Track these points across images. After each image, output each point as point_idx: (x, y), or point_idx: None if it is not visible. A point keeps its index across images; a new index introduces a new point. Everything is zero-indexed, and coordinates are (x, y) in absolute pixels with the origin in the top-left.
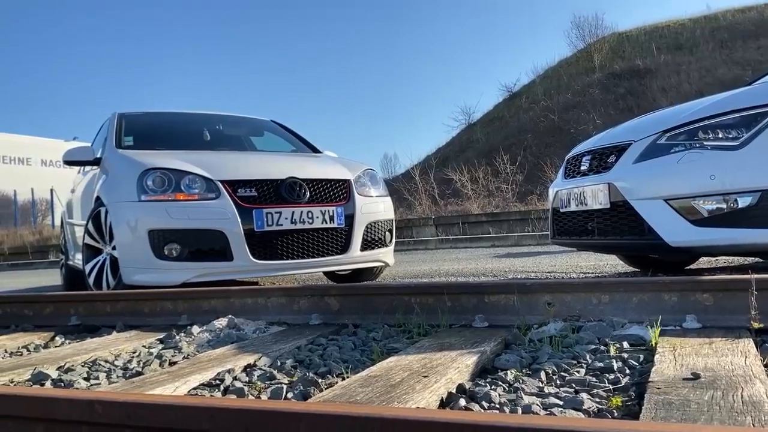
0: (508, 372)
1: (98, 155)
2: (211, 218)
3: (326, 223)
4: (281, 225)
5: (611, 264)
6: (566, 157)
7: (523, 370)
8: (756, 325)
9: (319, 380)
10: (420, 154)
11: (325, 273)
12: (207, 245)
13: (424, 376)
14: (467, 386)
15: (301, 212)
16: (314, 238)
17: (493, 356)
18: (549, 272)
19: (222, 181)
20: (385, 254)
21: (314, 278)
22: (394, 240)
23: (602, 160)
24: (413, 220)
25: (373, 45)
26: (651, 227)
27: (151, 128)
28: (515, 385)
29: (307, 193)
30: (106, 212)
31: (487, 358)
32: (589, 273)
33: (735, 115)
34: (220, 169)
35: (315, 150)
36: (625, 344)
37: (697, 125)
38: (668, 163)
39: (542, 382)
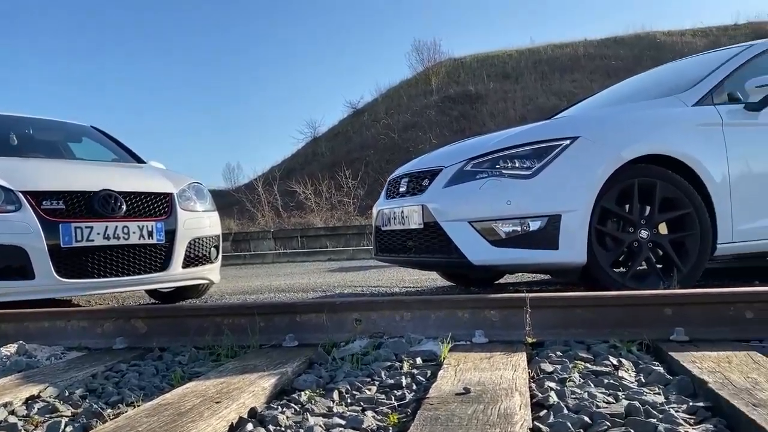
0: (303, 393)
1: None
2: (9, 232)
3: (144, 238)
4: (92, 241)
5: (432, 279)
6: (388, 179)
7: (318, 390)
8: (530, 339)
9: (108, 410)
10: (264, 166)
11: (147, 291)
12: (3, 262)
13: (217, 402)
14: (259, 410)
15: (116, 227)
16: (130, 254)
17: (295, 377)
18: (375, 287)
19: (24, 192)
20: (210, 271)
21: (136, 296)
22: (220, 256)
23: (418, 182)
24: (251, 233)
25: (219, 53)
26: (457, 246)
27: None
28: (307, 406)
29: (124, 207)
30: None
31: (288, 379)
32: (411, 287)
33: (529, 147)
34: (23, 179)
35: (138, 160)
36: (419, 360)
37: (498, 155)
38: (472, 188)
39: (333, 402)
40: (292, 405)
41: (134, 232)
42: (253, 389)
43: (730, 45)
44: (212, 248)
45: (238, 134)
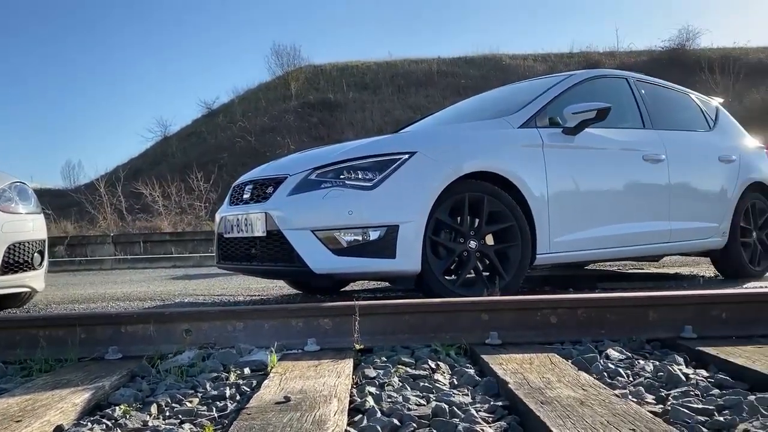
0: (118, 407)
1: None
2: None
3: None
4: None
5: (279, 287)
6: (232, 185)
7: (136, 404)
8: (358, 346)
9: None
10: (108, 165)
11: None
12: None
13: (17, 421)
14: (66, 427)
15: None
16: None
17: (112, 391)
18: (219, 295)
19: None
20: (33, 279)
21: None
22: (45, 262)
23: (262, 190)
24: (89, 237)
25: (59, 41)
26: (299, 255)
27: None
28: (120, 421)
29: None
30: None
31: (104, 394)
32: (256, 295)
33: (371, 160)
34: None
35: None
36: (247, 370)
37: (342, 165)
38: (316, 197)
39: (150, 416)
40: (104, 420)
41: None
42: (63, 405)
43: (565, 71)
44: (36, 254)
45: (80, 130)
